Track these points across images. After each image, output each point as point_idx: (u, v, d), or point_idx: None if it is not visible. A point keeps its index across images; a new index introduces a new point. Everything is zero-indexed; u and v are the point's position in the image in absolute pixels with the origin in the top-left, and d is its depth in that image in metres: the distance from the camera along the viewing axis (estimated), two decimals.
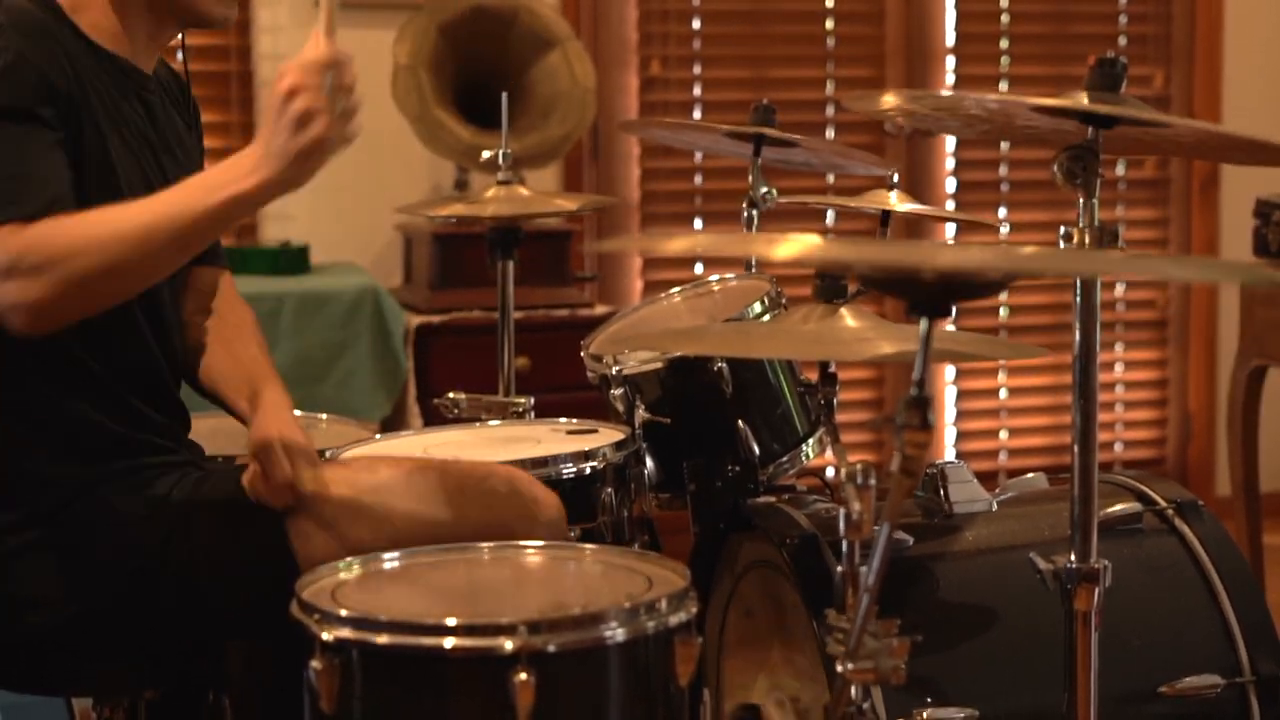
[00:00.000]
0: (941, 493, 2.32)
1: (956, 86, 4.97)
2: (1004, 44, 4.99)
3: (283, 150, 1.82)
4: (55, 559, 1.99)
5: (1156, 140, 2.01)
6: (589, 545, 2.03)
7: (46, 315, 1.88)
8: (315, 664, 1.67)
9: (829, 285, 2.24)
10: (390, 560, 1.91)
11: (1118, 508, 2.31)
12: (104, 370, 2.07)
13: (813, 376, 2.59)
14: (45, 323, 1.89)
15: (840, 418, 2.61)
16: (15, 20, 1.99)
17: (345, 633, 1.67)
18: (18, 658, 2.05)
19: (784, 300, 2.57)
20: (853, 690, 1.58)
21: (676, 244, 1.44)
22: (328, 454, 2.30)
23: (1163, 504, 2.34)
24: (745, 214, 2.87)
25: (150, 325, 2.12)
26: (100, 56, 2.07)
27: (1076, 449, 1.87)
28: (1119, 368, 5.18)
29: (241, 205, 1.87)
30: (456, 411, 2.68)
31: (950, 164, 5.00)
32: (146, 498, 2.03)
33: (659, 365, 2.49)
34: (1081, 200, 1.84)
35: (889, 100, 2.01)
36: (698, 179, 4.74)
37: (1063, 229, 1.85)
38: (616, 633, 1.67)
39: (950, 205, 4.97)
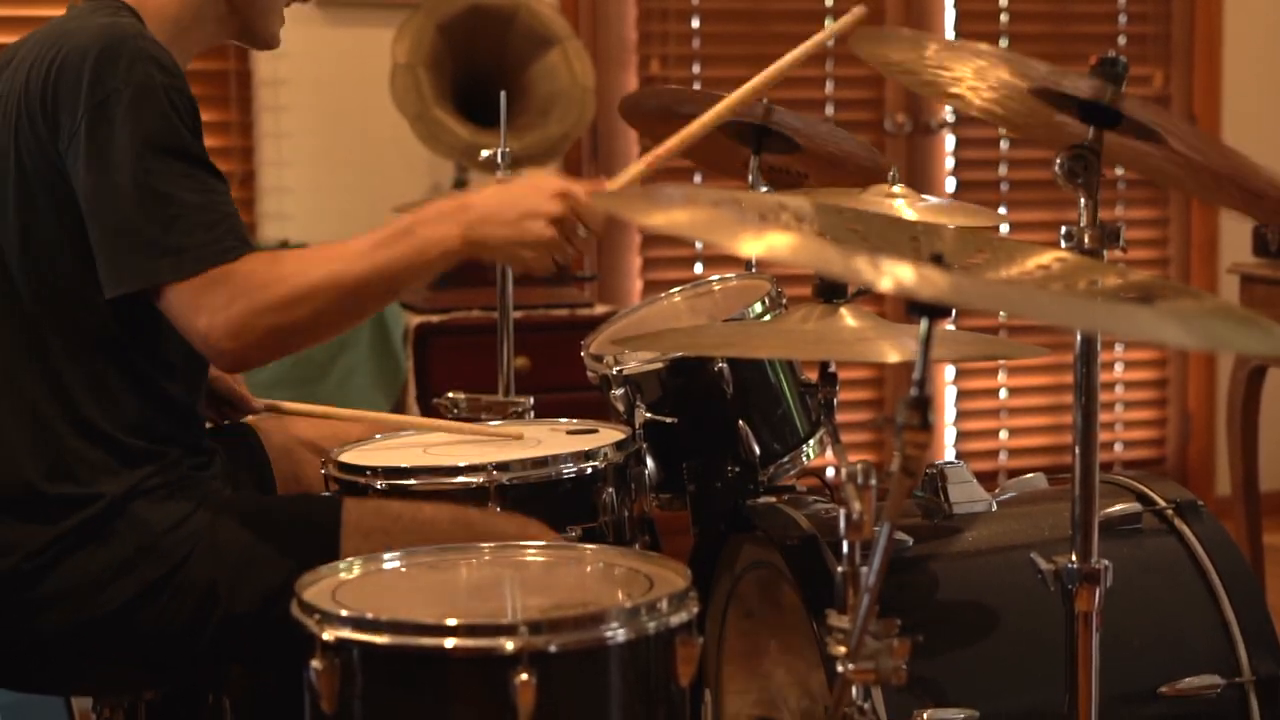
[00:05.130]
0: (941, 493, 2.31)
1: None
2: (1004, 44, 4.99)
3: (495, 237, 1.92)
4: (80, 566, 1.98)
5: (1155, 160, 1.98)
6: (590, 545, 2.03)
7: (251, 360, 1.90)
8: (316, 664, 1.67)
9: (829, 285, 2.23)
10: (390, 560, 1.91)
11: (1117, 508, 2.31)
12: (183, 363, 2.07)
13: (813, 376, 2.59)
14: (246, 366, 1.93)
15: (840, 418, 2.61)
16: (150, 50, 1.94)
17: (346, 633, 1.67)
18: (20, 658, 2.05)
19: (784, 300, 2.57)
20: (853, 691, 1.58)
21: (657, 219, 1.43)
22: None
23: (1162, 504, 2.33)
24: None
25: None
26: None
27: (1077, 449, 1.87)
28: (1119, 368, 5.18)
29: (449, 260, 1.92)
30: (456, 411, 2.67)
31: (950, 163, 5.00)
32: (175, 510, 2.02)
33: (659, 365, 2.48)
34: (1082, 200, 1.84)
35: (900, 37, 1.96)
36: (697, 179, 4.74)
37: (1064, 229, 1.85)
38: (618, 633, 1.66)
39: None
